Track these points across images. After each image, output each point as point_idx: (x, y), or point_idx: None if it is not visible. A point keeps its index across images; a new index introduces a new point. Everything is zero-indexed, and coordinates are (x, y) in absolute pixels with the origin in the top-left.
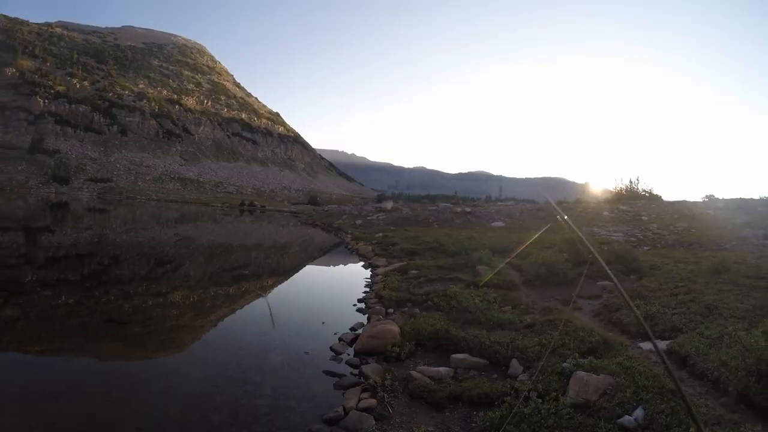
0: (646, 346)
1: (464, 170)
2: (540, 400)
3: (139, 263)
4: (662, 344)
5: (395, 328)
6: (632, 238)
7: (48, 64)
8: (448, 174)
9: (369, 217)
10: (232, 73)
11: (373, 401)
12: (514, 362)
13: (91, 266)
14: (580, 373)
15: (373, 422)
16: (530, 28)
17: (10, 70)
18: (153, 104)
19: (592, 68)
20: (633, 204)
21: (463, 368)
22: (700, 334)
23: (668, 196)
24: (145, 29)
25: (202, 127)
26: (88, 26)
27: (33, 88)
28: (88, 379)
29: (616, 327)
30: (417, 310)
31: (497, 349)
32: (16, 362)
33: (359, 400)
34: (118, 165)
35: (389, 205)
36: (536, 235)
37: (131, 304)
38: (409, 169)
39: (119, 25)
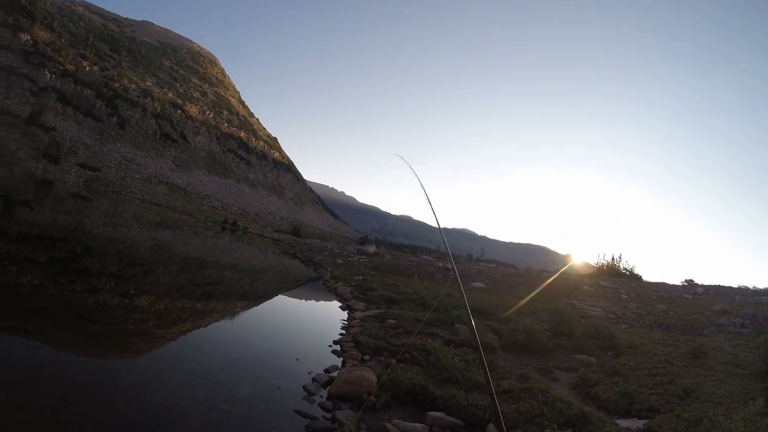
0: (624, 422)
1: (449, 226)
2: None
3: (111, 259)
4: (639, 423)
5: (372, 377)
6: (611, 315)
7: (63, 40)
8: (432, 227)
9: (350, 258)
10: (239, 90)
11: None
12: (491, 427)
13: (63, 251)
14: None
15: None
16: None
17: (25, 36)
18: (156, 104)
19: (584, 147)
20: (613, 281)
21: (439, 427)
22: (677, 416)
23: (648, 276)
24: (164, 28)
25: (199, 137)
26: (109, 12)
27: (43, 60)
28: (44, 370)
29: (593, 401)
30: (393, 361)
31: (474, 411)
32: None
33: None
34: (110, 156)
35: (372, 248)
36: (521, 302)
37: (96, 299)
38: (395, 216)
39: (139, 18)
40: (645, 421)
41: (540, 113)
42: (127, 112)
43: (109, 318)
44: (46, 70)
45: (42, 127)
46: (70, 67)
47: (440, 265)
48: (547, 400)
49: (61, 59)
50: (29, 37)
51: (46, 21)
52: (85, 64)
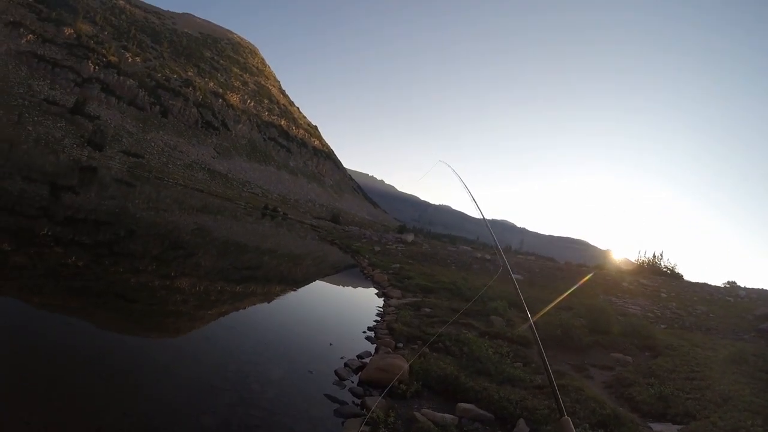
0: (657, 426)
1: (489, 216)
2: None
3: (153, 242)
4: (674, 428)
5: (404, 365)
6: (650, 314)
7: (105, 33)
8: (472, 218)
9: (388, 246)
10: (279, 79)
11: None
12: (521, 422)
13: (106, 235)
14: None
15: None
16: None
17: (68, 30)
18: (198, 93)
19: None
20: (653, 279)
21: (468, 419)
22: (713, 424)
23: (690, 275)
24: (204, 20)
25: (240, 125)
26: (150, 5)
27: (87, 52)
28: (82, 346)
29: (627, 403)
30: (427, 350)
31: (505, 405)
32: (12, 310)
33: None
34: (152, 144)
35: (410, 237)
36: (559, 297)
37: (137, 280)
38: (434, 205)
39: (180, 11)
40: (680, 427)
41: (586, 107)
42: (169, 102)
43: (150, 298)
44: (90, 61)
45: (86, 116)
46: (113, 59)
47: (478, 255)
48: (581, 398)
49: (104, 51)
50: (72, 31)
51: (88, 15)
52: (128, 55)
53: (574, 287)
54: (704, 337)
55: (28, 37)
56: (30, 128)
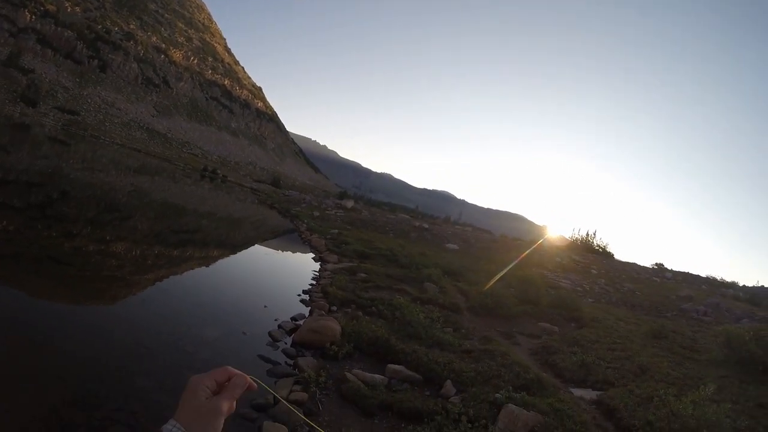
0: (578, 392)
1: (429, 187)
2: (470, 425)
3: (88, 205)
4: (593, 393)
5: (337, 327)
6: (579, 288)
7: None
8: (413, 187)
9: (327, 211)
10: (225, 37)
11: (305, 395)
12: (449, 383)
13: (39, 197)
14: (512, 407)
15: (302, 417)
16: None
17: None
18: (139, 48)
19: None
20: (586, 256)
21: (398, 380)
22: (630, 391)
23: (620, 255)
24: None
25: (182, 83)
26: None
27: (23, 0)
28: (16, 311)
29: (551, 369)
30: (360, 314)
31: (433, 367)
32: None
33: (290, 392)
34: (89, 100)
35: (350, 204)
36: (504, 271)
37: (72, 244)
38: (376, 173)
39: None
40: (598, 393)
41: (530, 85)
42: (109, 56)
43: (84, 263)
44: (26, 10)
45: (20, 69)
46: (51, 8)
47: (417, 224)
48: (506, 363)
49: None
50: None
51: None
52: (67, 4)
53: (513, 263)
54: (629, 312)
55: None
56: None
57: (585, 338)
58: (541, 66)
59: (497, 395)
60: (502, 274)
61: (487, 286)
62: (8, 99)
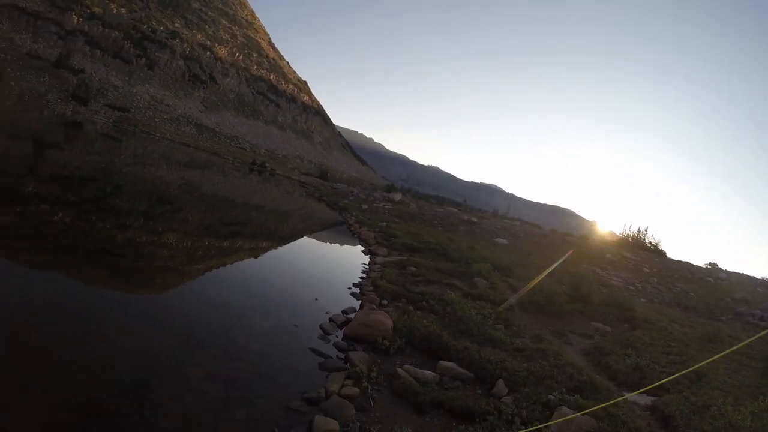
0: (632, 396)
1: (477, 180)
2: (523, 427)
3: (140, 198)
4: (648, 399)
5: (388, 321)
6: (631, 287)
7: None
8: (460, 180)
9: (375, 204)
10: (269, 32)
11: (357, 390)
12: (501, 383)
13: (93, 191)
14: (565, 409)
15: (354, 412)
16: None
17: None
18: (185, 45)
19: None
20: (637, 253)
21: (450, 377)
22: (686, 399)
23: (672, 253)
24: None
25: (228, 79)
26: None
27: (70, 3)
28: (69, 301)
29: (604, 371)
30: (411, 308)
31: (485, 365)
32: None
33: (342, 386)
34: (138, 97)
35: (398, 196)
36: (552, 267)
37: (124, 236)
38: (423, 165)
39: None
40: (653, 398)
41: (585, 76)
42: (156, 54)
43: (137, 254)
44: (73, 13)
45: (70, 70)
46: (97, 10)
47: (465, 218)
48: (559, 363)
49: (87, 2)
50: None
51: None
52: (113, 6)
53: (563, 259)
54: (682, 314)
55: None
56: (13, 83)
57: (639, 340)
58: (592, 55)
59: (550, 396)
60: (552, 269)
61: (537, 283)
62: (60, 98)
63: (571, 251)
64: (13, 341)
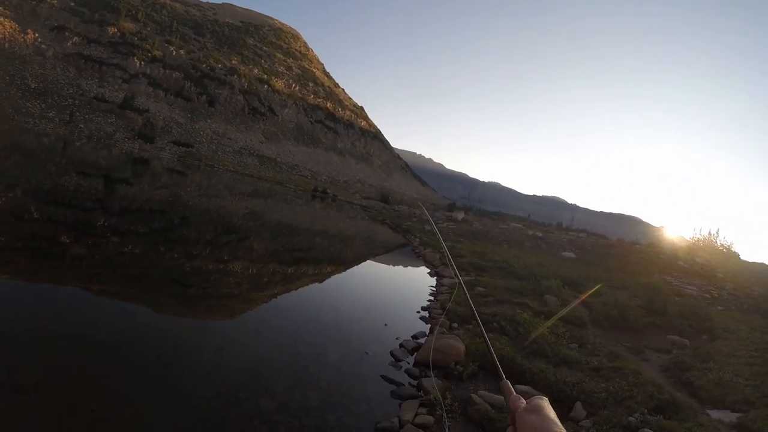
0: (716, 414)
1: (539, 193)
2: None
3: (206, 228)
4: (732, 416)
5: (460, 345)
6: (706, 294)
7: (148, 29)
8: (522, 194)
9: (438, 224)
10: (323, 62)
11: (431, 419)
12: (578, 405)
13: (161, 223)
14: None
15: None
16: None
17: (111, 30)
18: (243, 80)
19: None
20: (709, 258)
21: None
22: None
23: (746, 255)
24: (245, 9)
25: (286, 110)
26: None
27: (131, 49)
28: (143, 333)
29: (685, 387)
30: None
31: (562, 387)
32: (75, 299)
33: (416, 415)
34: (201, 133)
35: (460, 215)
36: (625, 279)
37: (192, 265)
38: (483, 182)
39: (220, 1)
40: (738, 415)
41: (637, 81)
42: (215, 90)
43: (204, 283)
44: (135, 57)
45: (135, 110)
46: (158, 53)
47: (530, 233)
48: (638, 382)
49: (148, 47)
50: (116, 30)
51: (130, 13)
52: (172, 48)
53: (633, 269)
54: (762, 321)
55: (74, 40)
56: (82, 126)
57: (719, 352)
58: (649, 55)
59: (630, 418)
60: (621, 279)
61: (609, 296)
62: (127, 137)
63: (641, 261)
64: (83, 373)
